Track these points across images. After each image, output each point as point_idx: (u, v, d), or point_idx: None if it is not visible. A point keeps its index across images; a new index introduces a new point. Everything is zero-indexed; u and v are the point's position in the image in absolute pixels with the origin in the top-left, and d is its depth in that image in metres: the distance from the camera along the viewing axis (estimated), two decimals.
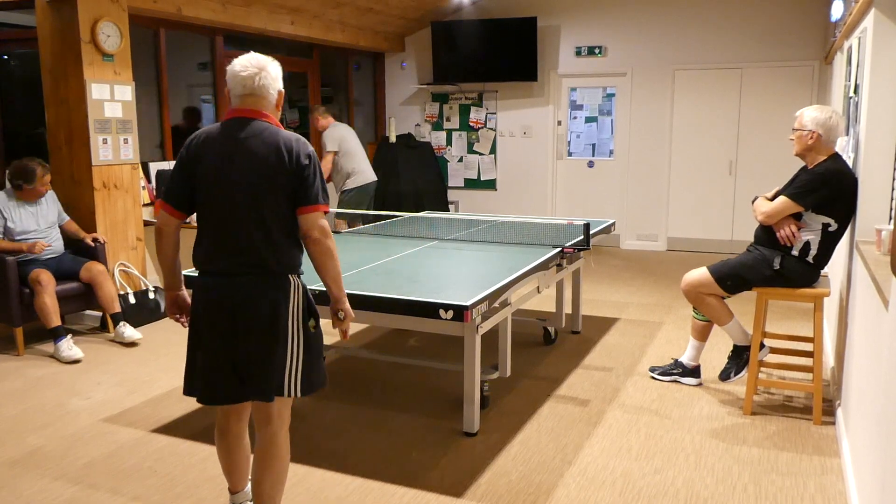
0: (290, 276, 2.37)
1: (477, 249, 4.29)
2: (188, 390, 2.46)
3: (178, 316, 2.56)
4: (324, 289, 2.43)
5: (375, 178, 7.06)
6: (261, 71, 2.34)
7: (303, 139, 2.37)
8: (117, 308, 4.92)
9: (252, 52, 2.42)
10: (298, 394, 2.39)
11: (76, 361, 4.59)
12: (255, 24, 6.67)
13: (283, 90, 2.44)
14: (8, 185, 4.81)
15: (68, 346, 4.62)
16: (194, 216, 2.44)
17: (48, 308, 4.61)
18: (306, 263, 2.50)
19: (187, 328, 2.49)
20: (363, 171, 6.89)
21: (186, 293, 2.53)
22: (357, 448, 3.32)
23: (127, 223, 5.47)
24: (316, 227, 2.31)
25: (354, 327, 5.24)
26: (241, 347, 2.32)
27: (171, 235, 2.42)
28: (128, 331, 4.87)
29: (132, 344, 4.85)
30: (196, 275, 2.42)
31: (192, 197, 2.38)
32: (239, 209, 2.29)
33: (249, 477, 2.62)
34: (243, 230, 2.30)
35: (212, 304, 2.34)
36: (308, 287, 2.45)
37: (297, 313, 2.37)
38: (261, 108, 2.36)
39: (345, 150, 6.77)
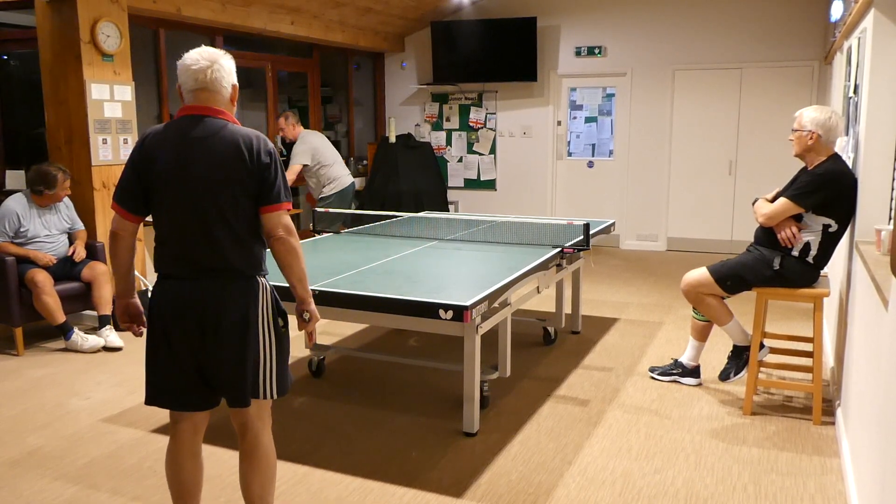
0: (257, 277, 2.30)
1: (477, 249, 4.29)
2: (152, 399, 2.34)
3: (129, 324, 2.42)
4: (287, 285, 2.34)
5: (353, 180, 6.79)
6: (213, 64, 2.25)
7: (263, 136, 2.29)
8: (108, 311, 4.92)
9: (203, 46, 2.33)
10: (274, 395, 2.35)
11: (111, 349, 4.74)
12: (254, 24, 6.67)
13: (237, 84, 2.34)
14: (27, 188, 4.84)
15: (83, 338, 4.70)
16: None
17: (50, 306, 4.64)
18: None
19: (142, 336, 2.37)
20: (340, 177, 6.63)
21: (138, 300, 2.43)
22: (357, 448, 3.32)
23: None
24: (280, 226, 2.25)
25: (354, 327, 5.24)
26: (212, 353, 2.25)
27: (128, 239, 2.31)
28: (112, 335, 4.83)
29: (116, 349, 4.79)
30: (158, 279, 2.32)
31: (147, 199, 2.28)
32: (202, 211, 2.21)
33: None
34: (208, 232, 2.22)
35: (178, 308, 2.24)
36: (274, 285, 2.39)
37: (268, 315, 2.31)
38: (215, 104, 2.26)
39: (320, 161, 6.46)
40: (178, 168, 2.22)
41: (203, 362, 2.28)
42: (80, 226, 5.06)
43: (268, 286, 2.34)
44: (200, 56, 2.26)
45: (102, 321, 4.88)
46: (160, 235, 2.29)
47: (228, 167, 2.21)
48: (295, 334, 3.94)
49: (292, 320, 2.43)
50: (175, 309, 2.25)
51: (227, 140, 2.23)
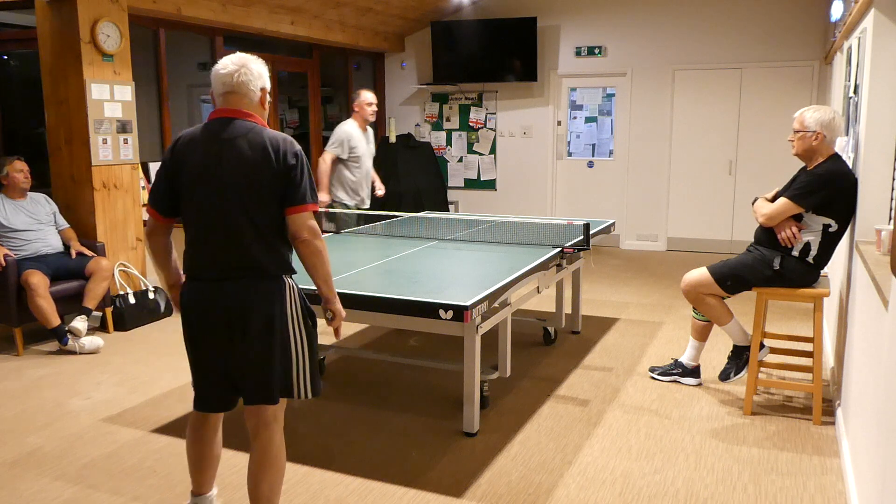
0: (284, 277, 2.33)
1: (477, 249, 4.29)
2: (194, 403, 2.47)
3: None
4: (314, 288, 2.39)
5: None
6: (241, 67, 2.30)
7: (290, 138, 2.33)
8: (92, 306, 4.86)
9: (238, 52, 2.38)
10: (309, 395, 2.38)
11: (73, 333, 4.69)
12: (255, 24, 6.67)
13: (267, 88, 2.38)
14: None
15: (80, 344, 4.67)
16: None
17: (44, 310, 4.60)
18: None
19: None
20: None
21: None
22: (357, 448, 3.32)
23: (126, 223, 5.47)
24: (305, 228, 2.27)
25: (354, 327, 5.24)
26: (238, 353, 2.28)
27: (161, 240, 2.40)
28: (79, 324, 4.69)
29: (94, 351, 4.73)
30: (186, 279, 2.38)
31: (177, 200, 2.34)
32: (229, 212, 2.24)
33: (214, 483, 2.61)
34: (235, 233, 2.25)
35: (205, 309, 2.29)
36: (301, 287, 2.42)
37: (297, 315, 2.34)
38: (243, 107, 2.31)
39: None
40: (205, 169, 2.26)
41: (229, 363, 2.31)
42: (64, 224, 5.04)
43: (295, 287, 2.37)
44: (230, 61, 2.32)
45: (83, 311, 4.79)
46: (189, 237, 2.34)
47: (255, 168, 2.24)
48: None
49: (320, 322, 2.46)
50: (202, 310, 2.29)
51: (254, 142, 2.26)
